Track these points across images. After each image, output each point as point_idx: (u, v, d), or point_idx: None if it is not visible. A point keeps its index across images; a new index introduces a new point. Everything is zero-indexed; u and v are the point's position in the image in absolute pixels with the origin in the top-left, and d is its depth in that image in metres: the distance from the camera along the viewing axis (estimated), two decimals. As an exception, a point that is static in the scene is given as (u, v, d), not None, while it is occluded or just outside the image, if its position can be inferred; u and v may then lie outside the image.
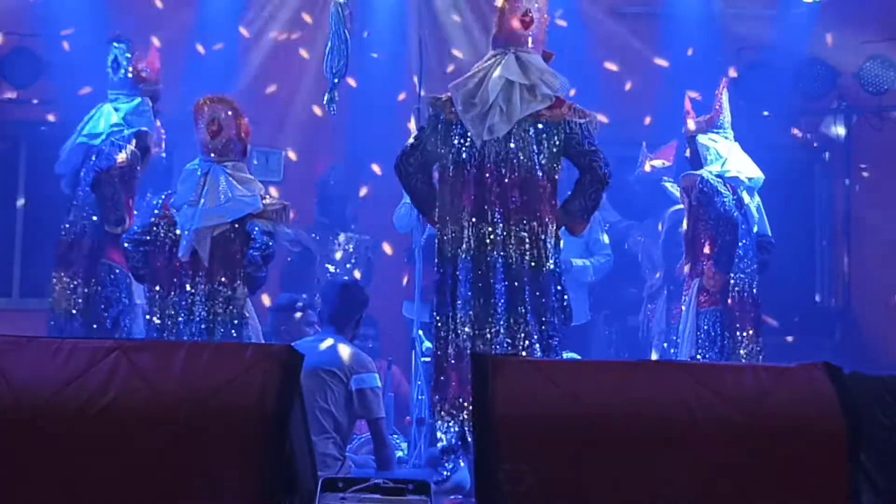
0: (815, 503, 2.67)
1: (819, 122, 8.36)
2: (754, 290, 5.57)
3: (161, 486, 2.63)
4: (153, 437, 2.64)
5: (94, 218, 5.67)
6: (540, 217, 4.45)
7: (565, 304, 4.57)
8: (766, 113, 7.92)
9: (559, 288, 4.55)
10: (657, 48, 8.20)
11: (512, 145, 4.45)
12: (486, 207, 4.42)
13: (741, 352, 5.46)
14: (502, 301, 4.41)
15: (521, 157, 4.44)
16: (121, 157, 5.63)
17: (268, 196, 5.27)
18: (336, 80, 5.50)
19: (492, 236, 4.42)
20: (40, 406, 2.66)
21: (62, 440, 2.64)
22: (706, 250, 5.52)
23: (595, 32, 8.34)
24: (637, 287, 7.41)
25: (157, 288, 5.13)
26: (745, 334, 5.48)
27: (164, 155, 6.38)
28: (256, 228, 5.11)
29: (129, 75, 5.83)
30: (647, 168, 7.07)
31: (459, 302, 4.44)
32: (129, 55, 5.86)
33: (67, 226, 5.77)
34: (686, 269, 5.72)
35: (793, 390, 2.76)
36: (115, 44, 5.89)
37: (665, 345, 6.54)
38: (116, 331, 5.53)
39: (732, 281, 5.50)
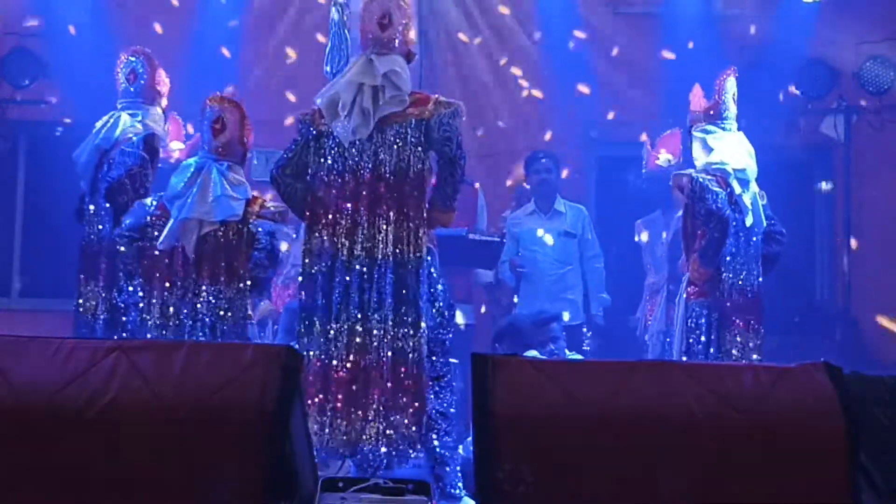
0: (815, 503, 2.67)
1: (819, 122, 8.36)
2: (752, 286, 5.53)
3: (161, 486, 2.63)
4: (153, 437, 2.64)
5: (106, 226, 5.68)
6: (411, 214, 4.57)
7: (445, 300, 4.70)
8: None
9: (435, 284, 4.66)
10: (657, 48, 8.21)
11: (379, 146, 4.61)
12: (358, 209, 4.57)
13: (733, 348, 5.43)
14: (376, 301, 4.52)
15: (389, 157, 4.59)
16: (131, 163, 5.66)
17: (267, 198, 5.26)
18: (336, 81, 5.49)
19: (363, 236, 4.55)
20: (40, 406, 2.66)
21: (62, 440, 2.64)
22: (697, 245, 5.53)
23: (595, 32, 8.36)
24: (634, 286, 7.42)
25: (156, 288, 5.08)
26: (738, 329, 5.46)
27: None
28: (260, 229, 5.09)
29: (148, 87, 5.86)
30: (656, 164, 7.02)
31: (335, 304, 4.55)
32: (148, 68, 5.87)
33: (89, 234, 5.78)
34: (682, 264, 5.72)
35: (793, 390, 2.76)
36: (131, 57, 5.90)
37: (663, 344, 6.52)
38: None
39: (724, 275, 5.47)
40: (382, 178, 4.58)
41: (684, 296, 5.57)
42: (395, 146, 4.60)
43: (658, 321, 6.79)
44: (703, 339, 5.44)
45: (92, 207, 5.81)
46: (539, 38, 8.39)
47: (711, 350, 5.41)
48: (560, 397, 2.70)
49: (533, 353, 5.58)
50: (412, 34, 4.80)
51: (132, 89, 5.89)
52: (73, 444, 2.64)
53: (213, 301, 4.99)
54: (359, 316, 4.51)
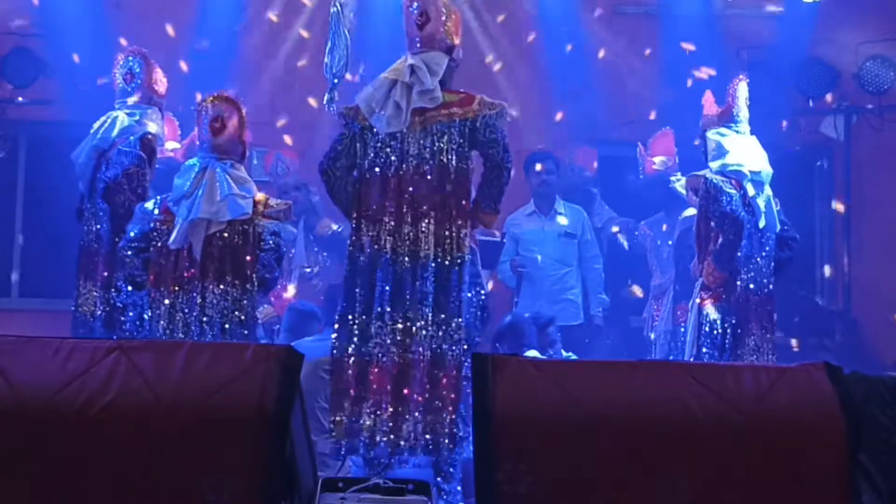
0: (815, 503, 2.67)
1: (819, 122, 8.36)
2: (765, 289, 5.52)
3: (161, 486, 2.63)
4: (153, 437, 2.64)
5: (104, 226, 5.67)
6: (454, 214, 4.57)
7: (483, 301, 4.70)
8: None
9: (476, 285, 4.67)
10: (657, 48, 8.21)
11: (423, 145, 4.62)
12: (402, 208, 4.57)
13: (749, 353, 5.42)
14: (418, 299, 4.51)
15: (433, 155, 4.60)
16: (129, 163, 5.65)
17: (271, 197, 5.24)
18: (336, 81, 5.49)
19: (407, 235, 4.55)
20: (40, 406, 2.66)
21: (62, 440, 2.64)
22: (711, 247, 5.50)
23: (595, 32, 8.36)
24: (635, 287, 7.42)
25: (164, 291, 5.02)
26: (751, 333, 5.45)
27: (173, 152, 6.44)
28: (266, 230, 5.07)
29: (145, 87, 5.85)
30: (652, 168, 7.03)
31: (376, 302, 4.55)
32: (144, 68, 5.86)
33: (87, 235, 5.78)
34: (694, 267, 5.70)
35: (793, 390, 2.76)
36: (128, 57, 5.89)
37: (669, 343, 6.52)
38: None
39: (738, 278, 5.47)
40: (426, 177, 4.58)
41: (698, 300, 5.55)
42: (439, 145, 4.60)
43: (664, 321, 6.79)
44: (717, 343, 5.42)
45: (90, 208, 5.81)
46: (534, 38, 8.38)
47: (726, 355, 5.39)
48: (560, 397, 2.70)
49: (533, 352, 5.58)
50: (454, 28, 4.79)
51: (129, 89, 5.89)
52: (73, 444, 2.64)
53: (221, 301, 4.97)
54: (400, 314, 4.51)
